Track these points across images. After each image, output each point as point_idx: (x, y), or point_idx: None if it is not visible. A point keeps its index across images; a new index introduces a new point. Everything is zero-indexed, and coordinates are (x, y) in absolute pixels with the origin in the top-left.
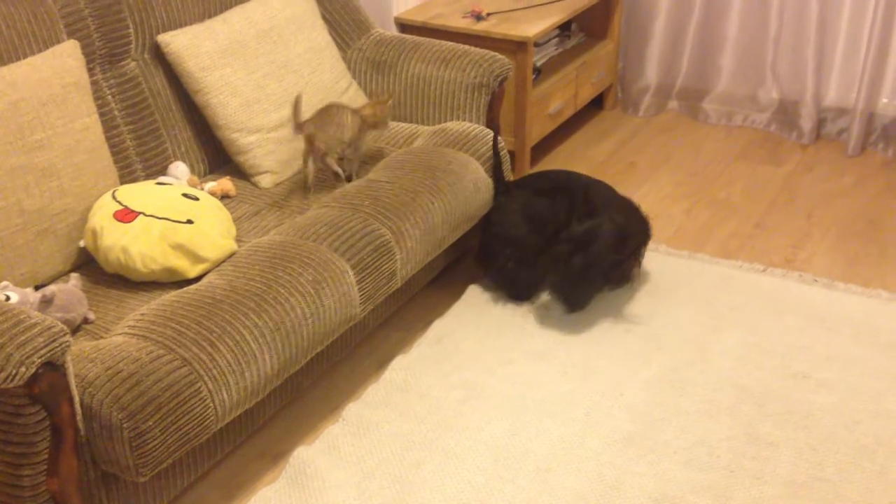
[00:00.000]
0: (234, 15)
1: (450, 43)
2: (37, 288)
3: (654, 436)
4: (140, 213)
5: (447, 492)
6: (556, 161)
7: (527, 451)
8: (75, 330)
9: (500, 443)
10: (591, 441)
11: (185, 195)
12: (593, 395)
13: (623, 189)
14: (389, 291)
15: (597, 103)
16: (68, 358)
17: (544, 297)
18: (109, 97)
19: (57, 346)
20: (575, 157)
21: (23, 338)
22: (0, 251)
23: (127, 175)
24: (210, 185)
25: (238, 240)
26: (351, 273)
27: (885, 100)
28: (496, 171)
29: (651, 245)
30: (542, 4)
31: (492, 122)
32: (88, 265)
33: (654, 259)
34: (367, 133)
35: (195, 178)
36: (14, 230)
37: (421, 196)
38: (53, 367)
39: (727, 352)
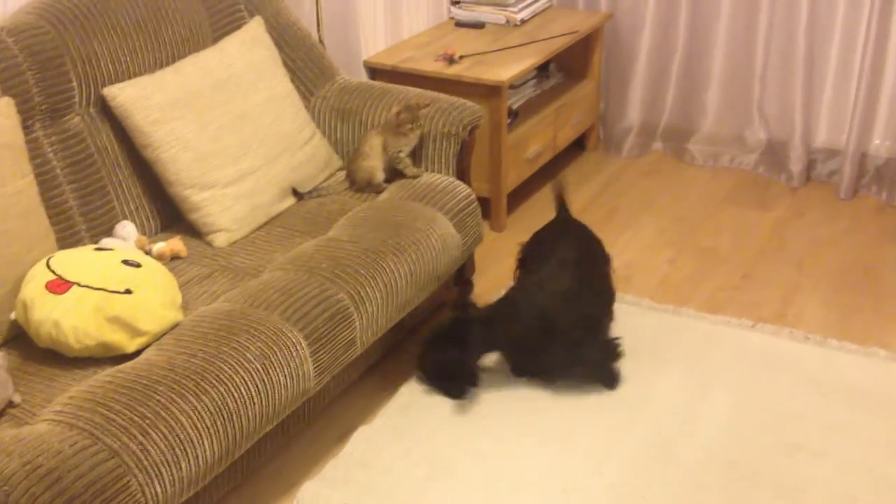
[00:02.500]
0: (186, 65)
1: (417, 90)
2: None
3: None
4: (74, 283)
5: None
6: (536, 208)
7: None
8: None
9: None
10: None
11: (125, 262)
12: (571, 470)
13: (606, 236)
14: (348, 361)
15: (578, 145)
16: None
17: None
18: (51, 154)
19: None
20: (553, 204)
21: None
22: None
23: (70, 237)
24: (159, 245)
25: (185, 307)
26: (304, 344)
27: (877, 140)
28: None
29: (633, 299)
30: (517, 46)
31: (462, 173)
32: (22, 338)
33: (636, 314)
34: (399, 142)
35: (144, 239)
36: None
37: (383, 256)
38: None
39: (715, 420)
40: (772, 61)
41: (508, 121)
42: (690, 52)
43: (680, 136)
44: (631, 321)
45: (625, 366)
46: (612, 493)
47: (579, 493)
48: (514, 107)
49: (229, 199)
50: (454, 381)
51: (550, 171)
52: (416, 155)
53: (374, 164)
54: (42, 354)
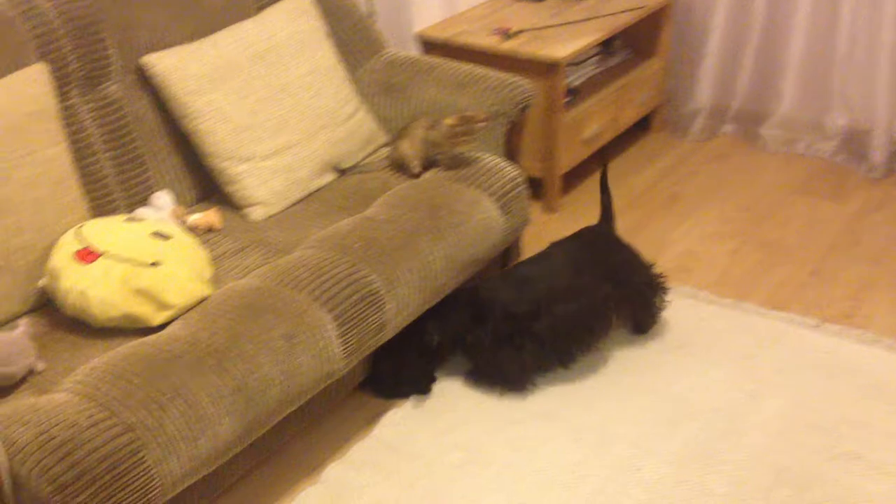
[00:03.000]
0: (226, 35)
1: (468, 65)
2: None
3: None
4: (102, 253)
5: None
6: (592, 190)
7: None
8: (20, 382)
9: None
10: None
11: (155, 233)
12: (607, 468)
13: (665, 224)
14: (378, 344)
15: (642, 126)
16: None
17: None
18: (88, 122)
19: None
20: (613, 186)
21: None
22: None
23: (106, 205)
24: (195, 217)
25: (216, 280)
26: (332, 326)
27: None
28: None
29: (690, 291)
30: (578, 21)
31: (511, 153)
32: (50, 305)
33: (692, 307)
34: (445, 145)
35: (181, 209)
36: None
37: (420, 238)
38: None
39: (766, 423)
40: (856, 42)
41: (567, 99)
42: (768, 30)
43: (752, 119)
44: (687, 314)
45: (672, 360)
46: (647, 495)
47: (613, 493)
48: (574, 84)
49: (267, 173)
50: (415, 382)
51: (611, 150)
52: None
53: (410, 154)
54: (69, 323)
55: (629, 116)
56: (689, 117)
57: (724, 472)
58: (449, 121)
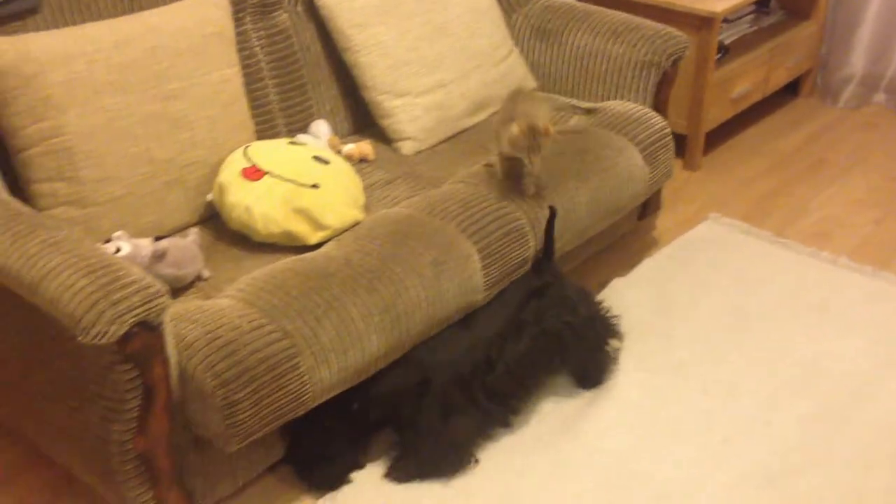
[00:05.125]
0: None
1: (623, 14)
2: (157, 239)
3: (796, 480)
4: (267, 172)
5: None
6: (735, 150)
7: (646, 474)
8: (188, 286)
9: (619, 459)
10: (722, 475)
11: (315, 158)
12: (735, 422)
13: (807, 189)
14: (516, 278)
15: (791, 89)
16: (166, 319)
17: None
18: (257, 48)
19: (153, 307)
20: (757, 148)
21: (118, 295)
22: (126, 198)
23: (268, 129)
24: (349, 147)
25: (367, 208)
26: (476, 257)
27: None
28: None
29: (828, 256)
30: None
31: (660, 105)
32: (215, 219)
33: (831, 273)
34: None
35: (335, 139)
36: (141, 178)
37: (566, 181)
38: (149, 327)
39: None
40: None
41: (717, 56)
42: None
43: None
44: (823, 278)
45: (808, 325)
46: (773, 450)
47: (739, 446)
48: (726, 42)
49: (419, 109)
50: (336, 465)
51: (758, 112)
52: (609, 81)
53: (494, 159)
54: (232, 236)
55: (779, 78)
56: (840, 84)
57: (852, 436)
58: (515, 129)
